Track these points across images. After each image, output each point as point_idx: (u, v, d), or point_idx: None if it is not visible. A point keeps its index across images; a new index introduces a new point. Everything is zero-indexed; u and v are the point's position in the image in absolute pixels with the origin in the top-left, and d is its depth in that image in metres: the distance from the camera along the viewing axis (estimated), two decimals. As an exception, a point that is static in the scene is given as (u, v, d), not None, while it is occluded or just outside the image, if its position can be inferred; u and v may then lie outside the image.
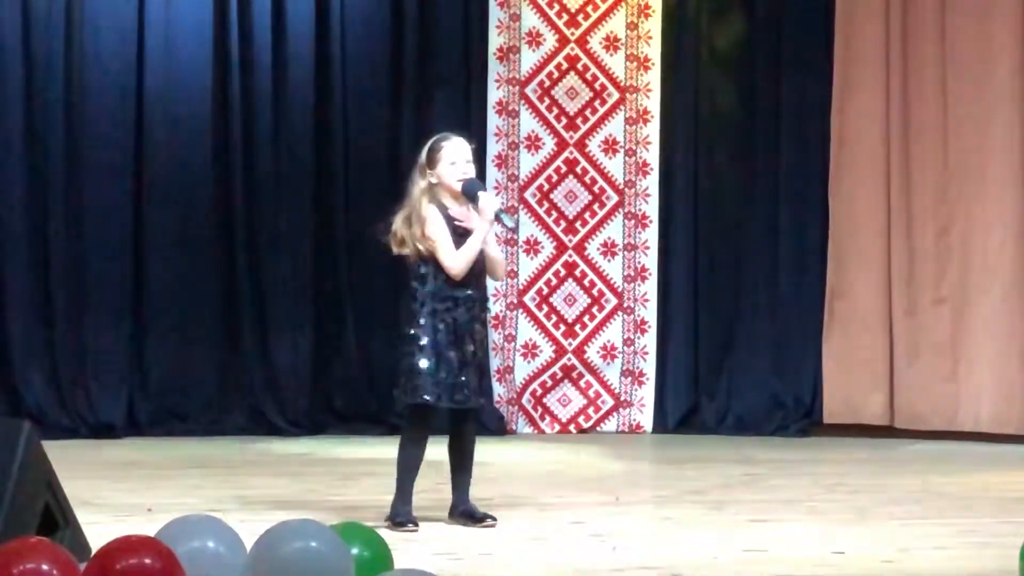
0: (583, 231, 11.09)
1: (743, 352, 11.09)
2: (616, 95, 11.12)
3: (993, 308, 10.55)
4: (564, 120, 11.07)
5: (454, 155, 6.69)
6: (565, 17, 11.08)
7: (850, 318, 10.88)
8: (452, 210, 6.67)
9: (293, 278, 10.59)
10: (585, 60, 11.09)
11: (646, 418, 11.07)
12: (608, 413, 11.07)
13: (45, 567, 4.16)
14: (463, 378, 6.62)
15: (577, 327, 11.07)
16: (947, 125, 10.68)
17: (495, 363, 10.72)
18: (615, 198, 11.11)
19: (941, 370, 10.67)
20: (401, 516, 6.62)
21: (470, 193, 6.63)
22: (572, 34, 11.08)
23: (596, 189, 11.09)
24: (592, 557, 6.12)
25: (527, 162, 11.04)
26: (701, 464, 9.41)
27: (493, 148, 10.89)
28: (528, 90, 11.04)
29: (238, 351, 10.52)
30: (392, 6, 10.78)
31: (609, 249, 11.11)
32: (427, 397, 6.60)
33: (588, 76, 11.10)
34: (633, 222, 11.13)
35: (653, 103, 11.15)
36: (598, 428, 11.04)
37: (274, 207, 10.58)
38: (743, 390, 11.07)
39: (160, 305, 10.39)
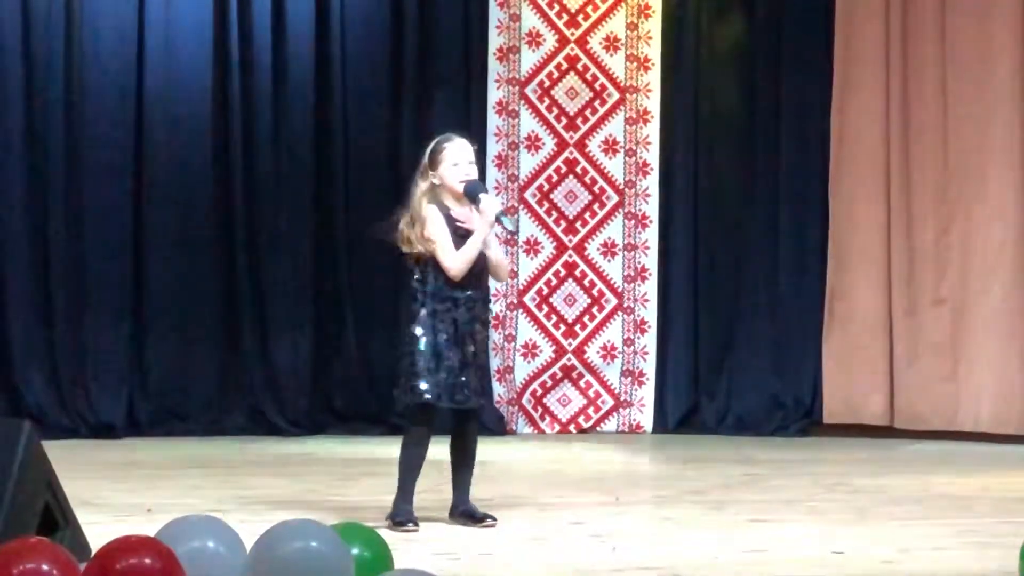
0: (583, 231, 11.09)
1: (743, 352, 11.09)
2: (616, 95, 11.12)
3: (993, 308, 10.55)
4: (564, 120, 11.07)
5: (456, 156, 6.69)
6: (565, 17, 11.08)
7: (850, 318, 10.89)
8: (454, 211, 6.67)
9: (293, 278, 10.59)
10: (585, 60, 11.10)
11: (646, 418, 11.07)
12: (608, 413, 11.07)
13: (45, 567, 4.15)
14: (463, 378, 6.62)
15: (577, 327, 11.07)
16: (947, 125, 10.68)
17: (495, 363, 10.72)
18: (615, 198, 11.11)
19: (941, 370, 10.67)
20: (402, 515, 6.62)
21: (472, 194, 6.63)
22: (572, 34, 11.08)
23: (596, 189, 11.10)
24: (592, 557, 6.12)
25: (527, 162, 11.04)
26: (701, 464, 9.42)
27: (493, 148, 10.89)
28: (528, 90, 11.04)
29: (238, 351, 10.53)
30: (392, 6, 10.78)
31: (609, 249, 11.11)
32: (427, 397, 6.60)
33: (588, 76, 11.10)
34: (633, 222, 11.13)
35: (653, 103, 11.15)
36: (598, 428, 11.05)
37: (274, 207, 10.58)
38: (743, 390, 11.07)
39: (160, 305, 10.39)
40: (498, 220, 6.60)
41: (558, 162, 11.06)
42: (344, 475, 8.67)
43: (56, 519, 5.47)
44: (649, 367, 11.10)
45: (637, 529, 6.90)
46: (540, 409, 10.99)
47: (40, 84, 10.15)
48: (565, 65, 11.08)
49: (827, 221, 10.95)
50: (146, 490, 7.77)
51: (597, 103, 11.11)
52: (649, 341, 11.10)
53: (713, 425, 11.04)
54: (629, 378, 11.09)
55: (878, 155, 10.82)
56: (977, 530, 6.85)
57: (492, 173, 10.82)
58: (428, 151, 6.75)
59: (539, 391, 10.99)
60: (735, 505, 7.61)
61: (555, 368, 11.03)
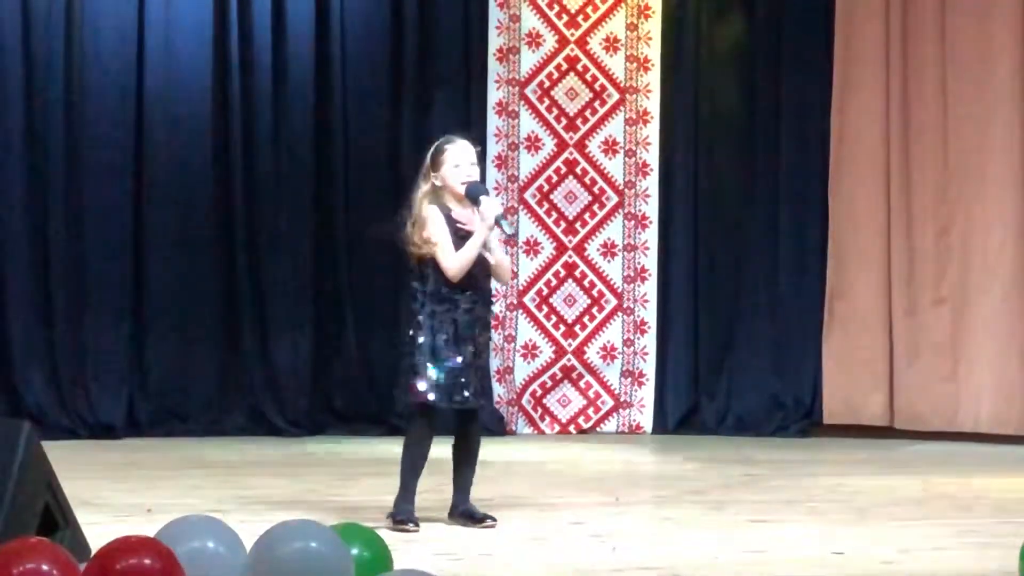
0: (583, 232, 11.09)
1: (743, 352, 11.10)
2: (616, 96, 11.13)
3: (993, 308, 10.55)
4: (564, 121, 11.07)
5: (458, 158, 6.70)
6: (565, 18, 11.08)
7: (850, 318, 10.89)
8: (455, 213, 6.68)
9: (293, 278, 10.59)
10: (585, 61, 11.10)
11: (646, 419, 11.07)
12: (608, 414, 11.07)
13: (45, 567, 4.15)
14: (463, 379, 6.62)
15: (577, 328, 11.07)
16: (947, 125, 10.69)
17: (495, 363, 10.72)
18: (615, 199, 11.11)
19: (941, 370, 10.67)
20: (402, 515, 6.62)
21: (473, 196, 6.64)
22: (572, 35, 11.08)
23: (596, 190, 11.10)
24: (592, 557, 6.12)
25: (527, 163, 11.04)
26: (701, 464, 9.42)
27: (493, 149, 10.89)
28: (528, 91, 11.04)
29: (238, 351, 10.53)
30: (392, 6, 10.79)
31: (609, 250, 11.11)
32: (426, 397, 6.61)
33: (588, 77, 11.10)
34: (633, 223, 11.13)
35: (653, 104, 11.15)
36: (598, 429, 11.04)
37: (274, 207, 10.58)
38: (743, 390, 11.07)
39: (160, 305, 10.39)
40: (497, 223, 6.60)
41: (558, 163, 11.06)
42: (344, 475, 8.67)
43: (56, 519, 5.46)
44: (649, 367, 11.10)
45: (637, 529, 6.90)
46: (540, 410, 10.99)
47: (40, 84, 10.15)
48: (565, 66, 11.08)
49: (827, 221, 10.95)
50: (146, 490, 7.77)
51: (597, 104, 11.11)
52: (649, 341, 11.10)
53: (713, 425, 11.04)
54: (629, 378, 11.09)
55: (878, 155, 10.82)
56: (977, 530, 6.85)
57: (492, 174, 10.82)
58: (430, 152, 6.76)
59: (539, 391, 10.99)
60: (735, 505, 7.61)
61: (555, 369, 11.03)
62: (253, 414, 10.50)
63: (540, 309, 11.05)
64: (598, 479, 8.66)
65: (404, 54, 10.80)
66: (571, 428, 11.02)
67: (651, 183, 11.14)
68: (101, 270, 10.25)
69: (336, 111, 10.65)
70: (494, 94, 10.98)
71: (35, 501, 5.36)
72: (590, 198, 11.09)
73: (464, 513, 6.75)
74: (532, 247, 11.02)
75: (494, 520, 6.73)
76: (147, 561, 4.25)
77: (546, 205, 11.06)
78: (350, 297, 10.70)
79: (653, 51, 11.16)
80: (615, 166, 11.12)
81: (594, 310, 11.10)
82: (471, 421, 6.79)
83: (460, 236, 6.63)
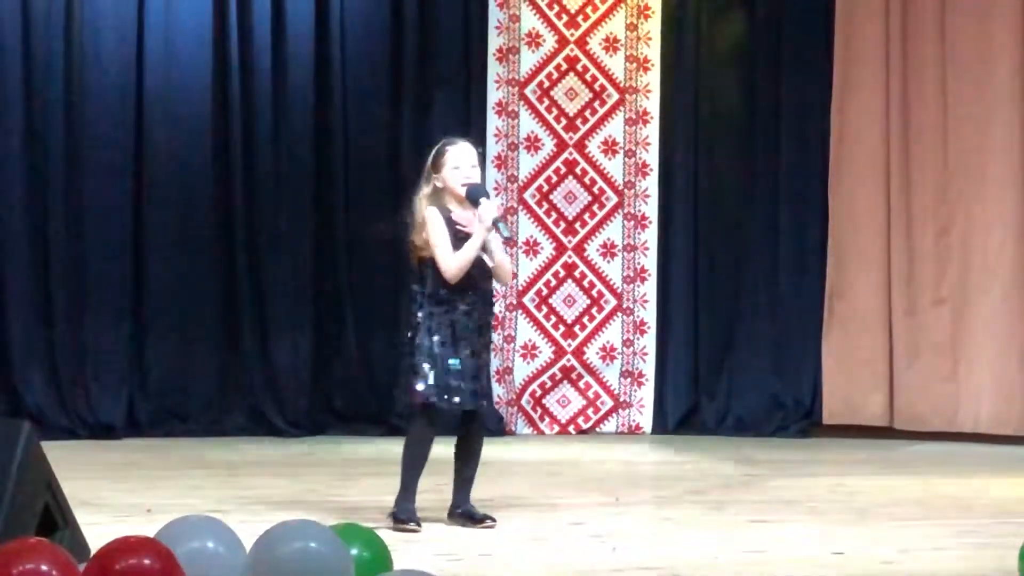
0: (582, 232, 11.09)
1: (743, 352, 11.09)
2: (616, 96, 11.12)
3: (993, 308, 10.55)
4: (564, 121, 11.07)
5: (458, 159, 6.71)
6: (565, 18, 11.08)
7: (850, 318, 10.89)
8: (456, 214, 6.68)
9: (293, 278, 10.59)
10: (585, 61, 11.09)
11: (646, 419, 11.07)
12: (607, 414, 11.07)
13: (44, 567, 4.15)
14: (461, 380, 6.62)
15: (576, 328, 11.07)
16: (947, 125, 10.69)
17: (494, 364, 10.71)
18: (614, 199, 11.11)
19: (941, 370, 10.67)
20: (404, 514, 6.63)
21: (472, 198, 6.64)
22: (572, 35, 11.08)
23: (596, 190, 11.09)
24: (592, 557, 6.12)
25: (526, 163, 11.04)
26: (701, 464, 9.42)
27: (493, 149, 10.89)
28: (528, 91, 11.04)
29: (238, 351, 10.52)
30: (392, 7, 10.78)
31: (608, 250, 11.11)
32: (424, 398, 6.61)
33: (588, 77, 11.10)
34: (632, 223, 11.13)
35: (653, 104, 11.15)
36: (597, 429, 11.04)
37: (274, 207, 10.58)
38: (743, 390, 11.07)
39: (160, 305, 10.39)
40: (494, 225, 6.60)
41: (557, 163, 11.06)
42: (344, 475, 8.67)
43: (55, 520, 5.46)
44: (649, 368, 11.09)
45: (637, 529, 6.90)
46: (539, 410, 10.99)
47: (40, 84, 10.14)
48: (565, 66, 11.08)
49: (827, 221, 10.95)
50: (146, 490, 7.77)
51: (597, 104, 11.10)
52: (648, 342, 11.10)
53: (713, 426, 11.04)
54: (628, 379, 11.08)
55: (878, 155, 10.82)
56: (977, 530, 6.85)
57: (492, 174, 10.81)
58: (432, 154, 6.77)
59: (538, 392, 10.99)
60: (735, 505, 7.61)
61: (554, 369, 11.03)
62: (253, 414, 10.49)
63: (540, 309, 11.05)
64: (598, 479, 8.66)
65: (404, 54, 10.80)
66: (571, 428, 11.01)
67: (651, 183, 11.14)
68: (101, 270, 10.25)
69: (336, 111, 10.65)
70: (494, 94, 10.98)
71: (35, 501, 5.36)
72: (590, 198, 11.09)
73: (464, 513, 6.75)
74: (532, 247, 11.02)
75: (494, 520, 6.73)
76: (147, 561, 4.25)
77: (546, 205, 11.06)
78: (350, 297, 10.70)
79: (653, 51, 11.15)
80: (615, 166, 11.12)
81: (594, 310, 11.10)
82: (473, 422, 6.80)
83: (460, 238, 6.63)
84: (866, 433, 10.72)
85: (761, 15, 11.17)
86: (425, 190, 6.72)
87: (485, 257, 6.67)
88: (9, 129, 10.09)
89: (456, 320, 6.64)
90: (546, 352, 11.03)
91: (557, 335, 11.04)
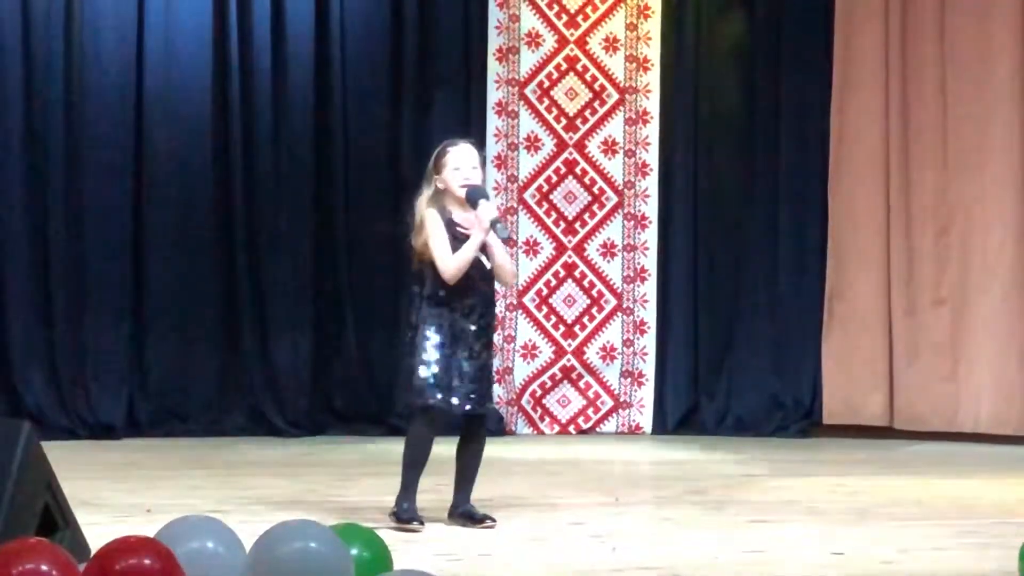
0: (582, 232, 11.09)
1: (743, 352, 11.10)
2: (615, 96, 11.13)
3: (993, 308, 10.55)
4: (563, 121, 11.07)
5: (458, 160, 6.71)
6: (564, 18, 11.08)
7: (850, 318, 10.89)
8: (457, 216, 6.68)
9: (293, 278, 10.59)
10: (584, 61, 11.10)
11: (645, 419, 11.07)
12: (607, 414, 11.07)
13: (44, 568, 4.15)
14: (461, 382, 6.63)
15: (576, 328, 11.07)
16: (947, 125, 10.69)
17: (494, 364, 10.70)
18: (614, 199, 11.11)
19: (941, 370, 10.67)
20: (406, 513, 6.63)
21: (471, 200, 6.64)
22: (571, 35, 11.08)
23: (595, 190, 11.10)
24: (592, 557, 6.12)
25: (526, 163, 11.04)
26: (701, 464, 9.41)
27: (493, 149, 10.89)
28: (527, 91, 11.04)
29: (238, 351, 10.52)
30: (392, 7, 10.78)
31: (608, 250, 11.11)
32: (429, 400, 6.62)
33: (587, 77, 11.10)
34: (632, 223, 11.13)
35: (652, 104, 11.15)
36: (597, 429, 11.04)
37: (274, 207, 10.58)
38: (743, 390, 11.07)
39: (160, 305, 10.39)
40: (492, 226, 6.60)
41: (557, 163, 11.06)
42: (344, 475, 8.67)
43: (55, 520, 5.46)
44: (648, 368, 11.10)
45: (637, 529, 6.90)
46: (539, 410, 10.99)
47: (40, 84, 10.15)
48: (564, 66, 11.08)
49: (827, 221, 10.96)
50: (146, 490, 7.77)
51: (596, 104, 11.11)
52: (648, 342, 11.10)
53: (713, 426, 11.04)
54: (628, 379, 11.09)
55: (878, 155, 10.82)
56: (977, 530, 6.85)
57: (492, 174, 10.81)
58: (434, 155, 6.78)
59: (538, 392, 10.99)
60: (735, 505, 7.61)
61: (554, 369, 11.03)
62: (253, 414, 10.49)
63: (540, 309, 11.05)
64: (598, 479, 8.66)
65: (404, 54, 10.80)
66: (571, 428, 11.02)
67: (651, 183, 11.14)
68: (101, 270, 10.25)
69: (336, 111, 10.65)
70: (494, 94, 10.98)
71: (34, 501, 5.35)
72: (590, 198, 11.09)
73: (464, 514, 6.75)
74: (532, 247, 11.02)
75: (493, 521, 6.73)
76: (147, 561, 4.25)
77: (546, 205, 11.06)
78: (350, 297, 10.70)
79: (653, 51, 11.16)
80: (615, 166, 11.12)
81: (594, 310, 11.10)
82: (476, 424, 6.80)
83: (460, 239, 6.63)
84: (866, 433, 10.72)
85: (761, 15, 11.18)
86: (426, 192, 6.73)
87: (483, 258, 6.67)
88: (9, 129, 10.09)
89: (455, 321, 6.64)
90: (546, 352, 11.04)
91: (557, 335, 11.04)
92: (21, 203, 10.12)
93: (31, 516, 5.32)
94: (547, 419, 10.99)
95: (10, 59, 10.07)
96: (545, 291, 11.06)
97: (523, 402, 10.95)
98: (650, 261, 11.13)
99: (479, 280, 6.68)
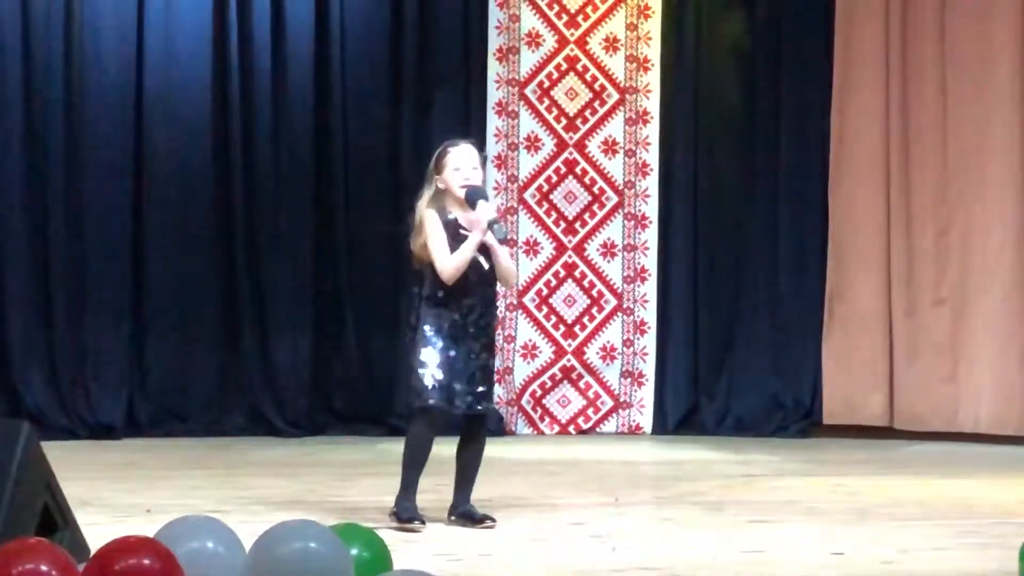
0: (583, 232, 11.09)
1: (743, 352, 11.09)
2: (616, 96, 11.12)
3: (993, 308, 10.55)
4: (564, 121, 11.07)
5: (458, 161, 6.71)
6: (565, 18, 11.08)
7: (850, 318, 10.89)
8: (458, 216, 6.68)
9: (293, 278, 10.59)
10: (585, 61, 11.09)
11: (645, 419, 11.07)
12: (607, 414, 11.07)
13: (44, 568, 4.15)
14: (460, 383, 6.63)
15: (576, 328, 11.07)
16: (947, 125, 10.69)
17: (495, 364, 10.69)
18: (615, 199, 11.11)
19: (941, 371, 10.67)
20: (407, 513, 6.63)
21: (470, 200, 6.64)
22: (572, 35, 11.08)
23: (596, 190, 11.09)
24: (592, 558, 6.12)
25: (527, 163, 11.04)
26: (701, 465, 9.41)
27: (493, 149, 10.89)
28: (528, 91, 11.04)
29: (238, 351, 10.52)
30: (392, 7, 10.78)
31: (609, 250, 11.11)
32: (428, 401, 6.62)
33: (588, 77, 11.10)
34: (633, 223, 11.13)
35: (653, 104, 11.15)
36: (597, 429, 11.04)
37: (274, 207, 10.58)
38: (743, 391, 11.07)
39: (160, 305, 10.39)
40: (490, 227, 6.60)
41: (557, 163, 11.06)
42: (344, 475, 8.67)
43: (55, 520, 5.46)
44: (648, 368, 11.09)
45: (637, 529, 6.90)
46: (539, 410, 10.98)
47: (40, 84, 10.14)
48: (565, 66, 11.08)
49: (827, 221, 10.95)
50: (145, 491, 7.76)
51: (597, 104, 11.10)
52: (649, 342, 11.10)
53: (713, 426, 11.04)
54: (628, 379, 11.08)
55: (878, 155, 10.82)
56: (977, 530, 6.85)
57: (492, 174, 10.81)
58: (435, 155, 6.78)
59: (538, 392, 10.99)
60: (735, 506, 7.61)
61: (554, 369, 11.03)
62: (253, 414, 10.49)
63: (540, 309, 11.05)
64: (598, 479, 8.65)
65: (404, 54, 10.80)
66: (571, 428, 11.01)
67: (651, 183, 11.14)
68: (101, 270, 10.25)
69: (336, 111, 10.65)
70: (494, 94, 10.98)
71: (34, 501, 5.35)
72: (590, 198, 11.09)
73: (463, 514, 6.75)
74: (532, 247, 11.02)
75: (493, 521, 6.73)
76: (146, 561, 4.25)
77: (546, 205, 11.06)
78: (350, 297, 10.69)
79: (653, 51, 11.15)
80: (615, 166, 11.12)
81: (594, 310, 11.10)
82: (476, 424, 6.81)
83: (461, 240, 6.63)
84: (866, 433, 10.72)
85: (761, 15, 11.17)
86: (427, 192, 6.74)
87: (482, 259, 6.66)
88: (9, 129, 10.09)
89: (455, 322, 6.64)
90: (546, 352, 11.03)
91: (557, 335, 11.04)
92: (21, 203, 10.12)
93: (31, 516, 5.32)
94: (547, 419, 10.99)
95: (10, 59, 10.07)
96: (545, 291, 11.06)
97: (523, 402, 10.95)
98: (650, 261, 11.13)
99: (478, 281, 6.68)
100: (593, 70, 11.10)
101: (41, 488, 5.40)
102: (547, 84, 11.06)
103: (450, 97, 10.82)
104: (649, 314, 11.10)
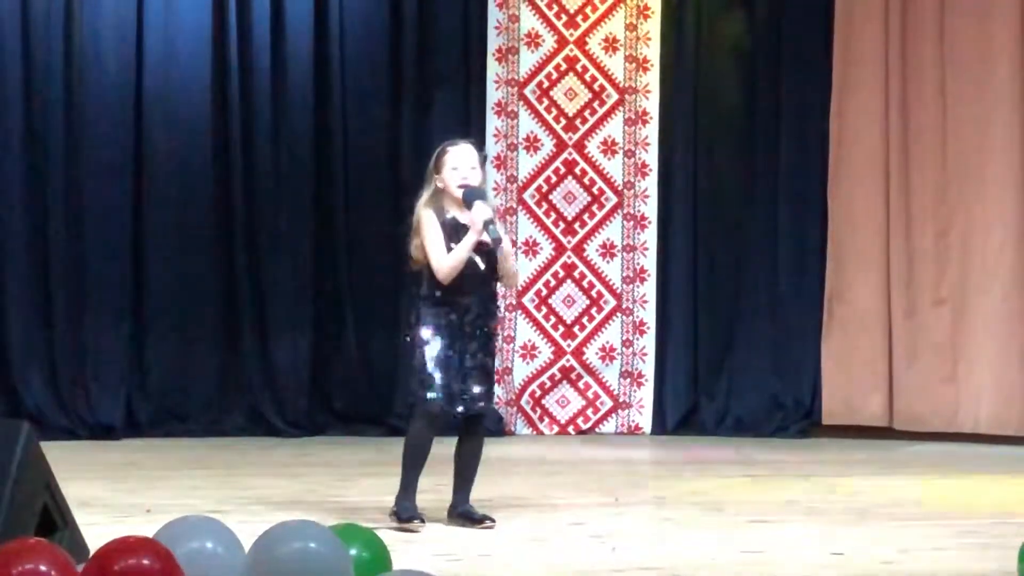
0: (582, 232, 11.09)
1: (743, 353, 11.09)
2: (615, 96, 11.12)
3: (993, 309, 10.55)
4: (563, 121, 11.07)
5: (457, 160, 6.72)
6: (564, 18, 11.08)
7: (849, 319, 10.89)
8: (456, 215, 6.68)
9: (293, 278, 10.59)
10: (584, 61, 11.09)
11: (645, 419, 11.07)
12: (607, 414, 11.07)
13: (43, 568, 4.15)
14: (460, 384, 6.63)
15: (576, 328, 11.07)
16: (946, 126, 10.69)
17: (495, 364, 10.69)
18: (614, 199, 11.11)
19: (940, 371, 10.67)
20: (407, 512, 6.63)
21: (468, 201, 6.64)
22: (571, 35, 11.08)
23: (595, 190, 11.09)
24: (592, 558, 6.12)
25: (526, 163, 11.04)
26: (700, 465, 9.41)
27: (492, 149, 10.89)
28: (527, 91, 11.04)
29: (238, 351, 10.52)
30: (391, 7, 10.78)
31: (608, 250, 11.11)
32: (427, 400, 6.62)
33: (587, 77, 11.10)
34: (632, 223, 11.13)
35: (652, 104, 11.15)
36: (597, 429, 11.04)
37: (274, 207, 10.58)
38: (742, 391, 11.07)
39: (160, 305, 10.39)
40: (485, 227, 6.60)
41: (557, 163, 11.06)
42: (344, 476, 8.67)
43: (54, 520, 5.46)
44: (648, 368, 11.09)
45: (637, 529, 6.90)
46: (539, 410, 10.98)
47: (40, 84, 10.14)
48: (564, 66, 11.08)
49: (827, 221, 10.95)
50: (145, 491, 7.77)
51: (596, 104, 11.10)
52: (648, 342, 11.10)
53: (712, 426, 11.04)
54: (628, 379, 11.08)
55: (877, 156, 10.82)
56: (977, 531, 6.85)
57: (491, 174, 10.80)
58: (434, 155, 6.79)
59: (538, 392, 10.99)
60: (734, 506, 7.61)
61: (554, 369, 11.02)
62: (253, 414, 10.49)
63: (539, 310, 11.05)
64: (598, 479, 8.65)
65: (403, 54, 10.80)
66: (570, 429, 11.01)
67: (650, 183, 11.14)
68: (101, 270, 10.25)
69: (336, 111, 10.65)
70: (493, 94, 10.98)
71: (34, 501, 5.35)
72: (589, 199, 11.09)
73: (463, 514, 6.75)
74: (531, 248, 11.02)
75: (493, 521, 6.73)
76: (146, 562, 4.25)
77: (545, 206, 11.06)
78: (350, 297, 10.69)
79: (652, 51, 11.15)
80: (614, 166, 11.12)
81: (593, 311, 11.10)
82: (474, 423, 6.81)
83: (458, 240, 6.64)
84: (865, 433, 10.72)
85: (761, 15, 11.17)
86: (426, 191, 6.74)
87: (477, 259, 6.66)
88: (9, 129, 10.09)
89: (452, 322, 6.64)
90: (546, 352, 11.03)
91: (557, 335, 11.04)
92: (21, 203, 10.12)
93: (30, 516, 5.32)
94: (546, 419, 10.99)
95: (10, 59, 10.07)
96: (544, 291, 11.05)
97: (522, 402, 10.95)
98: (650, 261, 11.13)
99: (474, 281, 6.68)
100: (592, 70, 11.10)
101: (41, 488, 5.40)
102: (546, 84, 11.06)
103: (450, 97, 10.82)
104: (648, 314, 11.10)
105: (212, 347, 10.47)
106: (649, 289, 11.12)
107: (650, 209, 11.13)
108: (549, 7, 11.05)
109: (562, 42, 11.07)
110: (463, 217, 6.66)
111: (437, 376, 6.61)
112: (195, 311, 10.43)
